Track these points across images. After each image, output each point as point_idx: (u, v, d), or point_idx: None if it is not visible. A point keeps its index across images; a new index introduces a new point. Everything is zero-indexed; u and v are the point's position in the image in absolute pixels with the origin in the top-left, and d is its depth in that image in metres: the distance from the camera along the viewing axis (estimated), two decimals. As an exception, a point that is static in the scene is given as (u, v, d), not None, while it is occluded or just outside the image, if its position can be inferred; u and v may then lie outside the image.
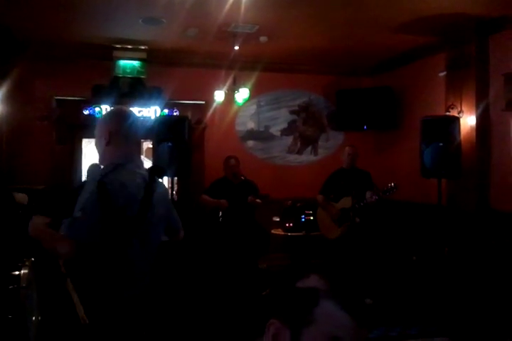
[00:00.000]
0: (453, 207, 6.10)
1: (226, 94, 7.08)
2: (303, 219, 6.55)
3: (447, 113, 6.22)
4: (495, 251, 5.39)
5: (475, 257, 5.49)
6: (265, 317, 1.21)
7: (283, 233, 6.65)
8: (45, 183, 6.52)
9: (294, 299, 1.21)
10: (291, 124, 8.31)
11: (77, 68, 7.08)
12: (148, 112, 7.28)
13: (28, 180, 6.48)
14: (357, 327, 1.17)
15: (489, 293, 4.90)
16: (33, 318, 3.39)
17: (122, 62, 7.07)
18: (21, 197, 4.82)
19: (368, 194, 5.57)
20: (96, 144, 2.48)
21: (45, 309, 3.72)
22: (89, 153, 7.77)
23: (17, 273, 3.25)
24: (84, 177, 6.94)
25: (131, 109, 6.97)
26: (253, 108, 8.08)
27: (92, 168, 7.62)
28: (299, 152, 8.34)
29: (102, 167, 2.41)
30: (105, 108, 7.12)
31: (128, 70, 7.10)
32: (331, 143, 8.44)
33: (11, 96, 6.32)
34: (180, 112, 7.60)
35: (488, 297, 4.84)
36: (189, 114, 7.51)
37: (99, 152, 2.46)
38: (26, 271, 3.28)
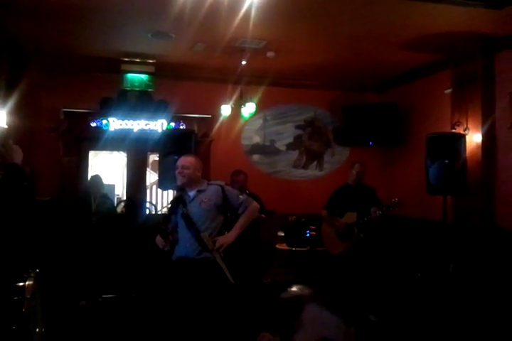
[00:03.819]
0: (458, 224, 6.08)
1: (232, 109, 7.12)
2: (307, 235, 6.53)
3: (453, 130, 6.23)
4: (500, 268, 5.36)
5: (480, 275, 5.45)
6: (257, 330, 1.23)
7: (287, 248, 6.63)
8: (52, 195, 6.54)
9: (280, 309, 1.24)
10: (297, 139, 8.33)
11: (85, 81, 7.15)
12: (155, 125, 7.30)
13: (35, 190, 6.50)
14: (344, 325, 1.18)
15: (494, 311, 4.87)
16: (37, 330, 3.39)
17: (130, 76, 7.14)
18: None
19: (373, 209, 5.55)
20: (190, 174, 3.96)
21: (49, 320, 3.71)
22: (95, 165, 7.82)
23: (21, 284, 3.25)
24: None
25: (138, 122, 7.09)
26: (259, 122, 8.12)
27: (94, 179, 7.66)
28: (305, 167, 8.35)
29: (207, 183, 4.12)
30: (112, 120, 7.15)
31: (136, 83, 7.16)
32: (337, 158, 8.45)
33: (19, 108, 6.35)
34: (186, 126, 7.63)
35: (493, 314, 4.80)
36: (195, 128, 7.54)
37: (194, 177, 3.99)
38: (31, 282, 3.28)
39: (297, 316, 1.18)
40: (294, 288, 1.29)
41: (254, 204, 4.16)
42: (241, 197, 4.13)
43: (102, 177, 6.78)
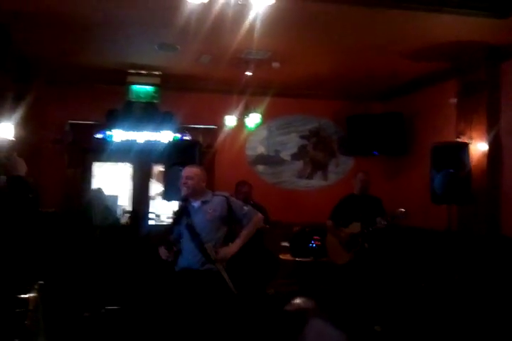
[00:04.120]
0: (463, 233, 6.04)
1: (237, 119, 7.14)
2: (312, 245, 6.50)
3: (458, 139, 6.21)
4: (506, 277, 5.32)
5: (485, 284, 5.41)
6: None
7: (291, 258, 6.60)
8: (56, 206, 6.56)
9: (284, 322, 1.24)
10: (302, 149, 8.34)
11: (91, 92, 7.20)
12: (160, 137, 7.30)
13: (40, 202, 6.52)
14: (347, 340, 1.18)
15: (500, 320, 4.83)
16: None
17: (136, 87, 7.16)
18: None
19: (378, 219, 5.53)
20: (195, 184, 3.98)
21: (52, 332, 3.71)
22: (99, 177, 7.83)
23: (25, 296, 3.26)
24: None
25: (143, 133, 7.11)
26: (263, 132, 8.14)
27: (95, 192, 7.71)
28: (309, 177, 8.35)
29: (211, 193, 4.15)
30: (118, 132, 7.14)
31: (142, 95, 7.18)
32: (341, 168, 8.44)
33: (26, 120, 6.39)
34: (191, 136, 7.64)
35: (500, 323, 4.76)
36: (200, 139, 7.56)
37: (198, 187, 4.00)
38: (34, 294, 3.28)
39: (301, 330, 1.19)
40: (298, 301, 1.30)
41: (259, 215, 4.21)
42: (245, 208, 4.17)
43: (103, 189, 6.79)
